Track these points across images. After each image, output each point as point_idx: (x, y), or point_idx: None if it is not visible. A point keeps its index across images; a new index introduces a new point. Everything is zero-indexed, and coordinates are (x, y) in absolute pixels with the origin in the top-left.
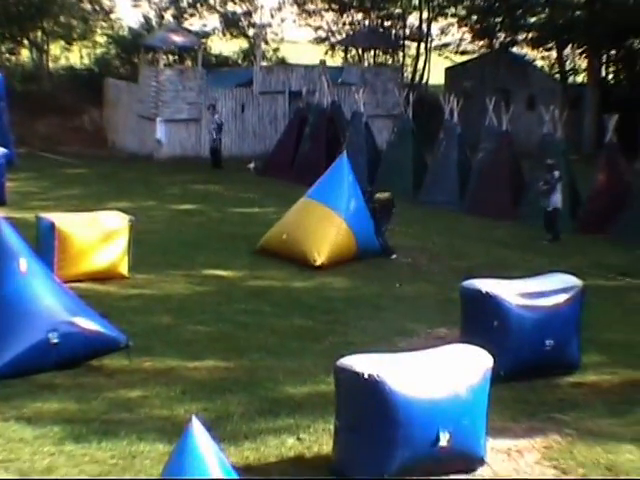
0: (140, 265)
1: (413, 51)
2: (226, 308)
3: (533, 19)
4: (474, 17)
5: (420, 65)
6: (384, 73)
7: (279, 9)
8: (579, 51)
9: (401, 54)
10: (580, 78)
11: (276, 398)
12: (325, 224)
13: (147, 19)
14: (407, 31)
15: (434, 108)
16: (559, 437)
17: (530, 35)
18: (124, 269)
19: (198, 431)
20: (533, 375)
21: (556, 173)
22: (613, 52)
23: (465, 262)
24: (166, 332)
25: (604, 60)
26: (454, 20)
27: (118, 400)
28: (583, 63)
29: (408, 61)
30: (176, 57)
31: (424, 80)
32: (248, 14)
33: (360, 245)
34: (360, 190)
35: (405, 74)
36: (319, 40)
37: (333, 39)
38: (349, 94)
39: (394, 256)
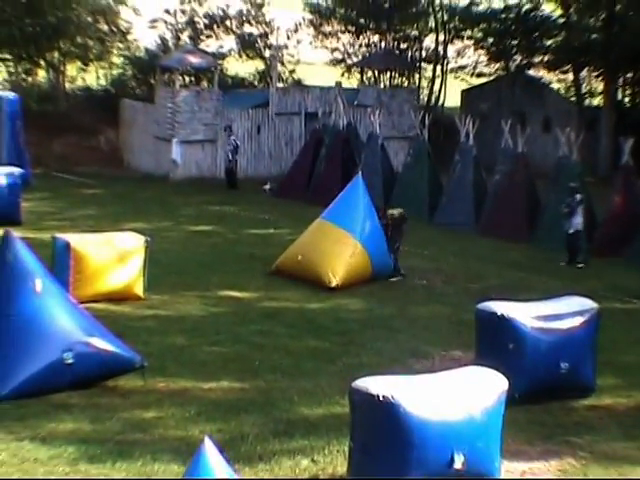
0: (155, 286)
1: (429, 73)
2: (241, 329)
3: (549, 42)
4: (490, 40)
5: (436, 87)
6: (400, 95)
7: (295, 31)
8: (595, 74)
9: (417, 76)
10: (596, 101)
11: (291, 419)
12: (340, 246)
13: (163, 40)
14: (423, 53)
15: (450, 130)
16: (574, 460)
17: (546, 58)
18: (139, 290)
19: (211, 452)
20: (548, 398)
21: (578, 196)
22: (629, 75)
23: (480, 284)
24: (181, 353)
25: (620, 83)
26: (470, 42)
27: (133, 420)
28: (599, 86)
29: (424, 83)
30: (192, 78)
31: (440, 102)
32: (264, 35)
33: (375, 267)
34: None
35: (421, 96)
36: (335, 62)
37: (349, 61)
38: (365, 116)
39: (395, 279)
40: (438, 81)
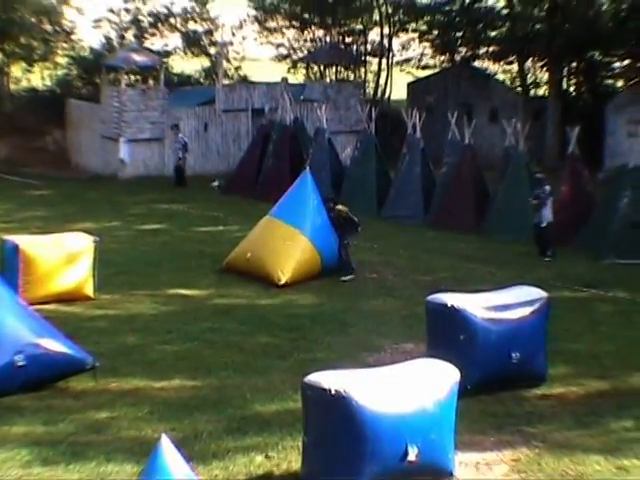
0: (105, 286)
1: (375, 67)
2: (192, 327)
3: (494, 33)
4: (435, 32)
5: (382, 80)
6: (346, 89)
7: (240, 27)
8: (540, 64)
9: (363, 70)
10: (542, 91)
11: (244, 416)
12: (289, 243)
13: (108, 39)
14: (368, 47)
15: (397, 123)
16: (527, 449)
17: (491, 49)
18: (89, 290)
19: (168, 449)
20: (500, 388)
21: (547, 188)
22: (574, 64)
23: (430, 276)
24: (132, 352)
25: (565, 72)
26: (415, 35)
27: (85, 421)
28: (544, 76)
29: (370, 77)
30: (138, 77)
31: (386, 95)
32: (209, 32)
33: (325, 263)
34: (323, 202)
35: (367, 89)
36: (281, 57)
37: (295, 56)
38: (312, 111)
39: (347, 278)
40: (384, 74)
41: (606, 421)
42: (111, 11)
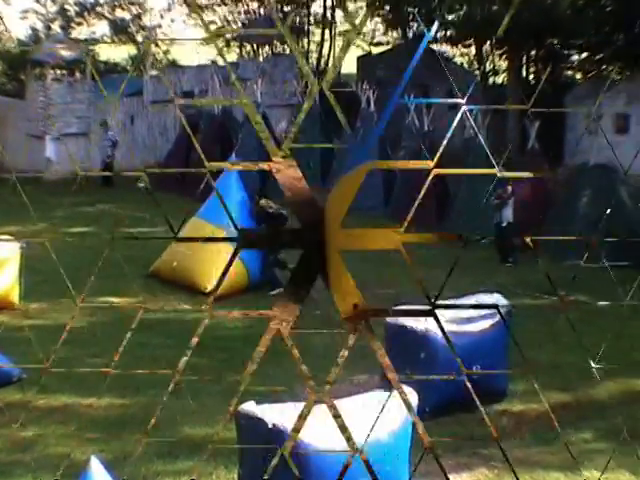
0: (31, 294)
1: (318, 37)
2: (120, 340)
3: (451, 16)
4: (387, 7)
5: (325, 51)
6: (282, 63)
7: (169, 9)
8: (499, 52)
9: (306, 40)
10: (500, 79)
11: (174, 439)
12: (215, 246)
13: (34, 30)
14: (311, 19)
15: (345, 97)
16: (486, 470)
17: (449, 32)
18: (15, 298)
19: (97, 471)
20: (459, 407)
21: (509, 187)
22: (533, 52)
23: (388, 290)
24: (60, 365)
25: (524, 61)
26: (363, 4)
27: (12, 439)
28: (503, 64)
29: (313, 47)
30: (64, 71)
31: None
32: (137, 17)
33: (252, 273)
34: (251, 199)
35: (310, 61)
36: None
37: (228, 36)
38: (245, 91)
39: (276, 292)
40: (327, 45)
41: (566, 434)
42: (37, 1)
